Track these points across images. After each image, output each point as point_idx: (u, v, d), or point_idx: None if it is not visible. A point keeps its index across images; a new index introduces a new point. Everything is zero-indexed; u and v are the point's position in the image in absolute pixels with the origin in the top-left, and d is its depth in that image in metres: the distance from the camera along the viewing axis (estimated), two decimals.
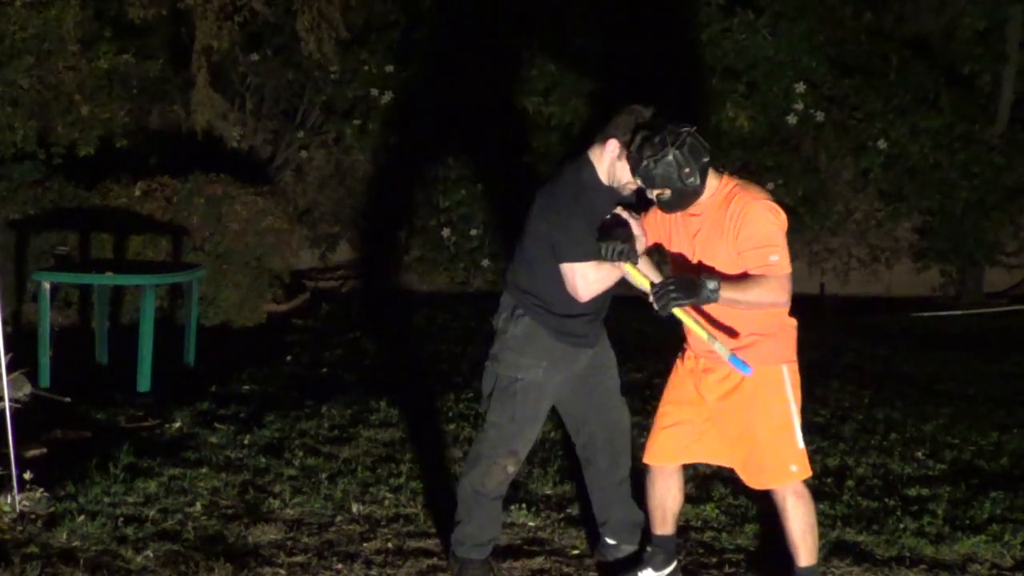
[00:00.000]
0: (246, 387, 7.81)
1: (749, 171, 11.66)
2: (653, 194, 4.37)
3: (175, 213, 9.89)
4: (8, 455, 5.40)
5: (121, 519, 5.30)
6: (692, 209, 4.40)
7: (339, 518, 5.51)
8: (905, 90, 12.58)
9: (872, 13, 12.96)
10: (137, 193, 9.98)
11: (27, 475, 5.41)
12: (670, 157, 4.26)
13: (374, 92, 12.26)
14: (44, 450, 6.09)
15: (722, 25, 12.25)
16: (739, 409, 4.47)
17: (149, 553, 4.96)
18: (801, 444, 4.45)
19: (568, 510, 5.66)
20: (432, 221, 12.16)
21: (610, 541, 5.02)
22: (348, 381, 8.08)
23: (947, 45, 13.07)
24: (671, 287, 4.25)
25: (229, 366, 8.25)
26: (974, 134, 12.67)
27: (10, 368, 5.97)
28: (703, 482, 5.98)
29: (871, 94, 12.58)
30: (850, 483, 6.14)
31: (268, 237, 10.05)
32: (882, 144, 12.48)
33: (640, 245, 4.50)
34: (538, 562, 5.07)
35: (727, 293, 4.24)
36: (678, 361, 4.65)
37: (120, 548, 5.01)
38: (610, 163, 4.54)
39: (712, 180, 4.39)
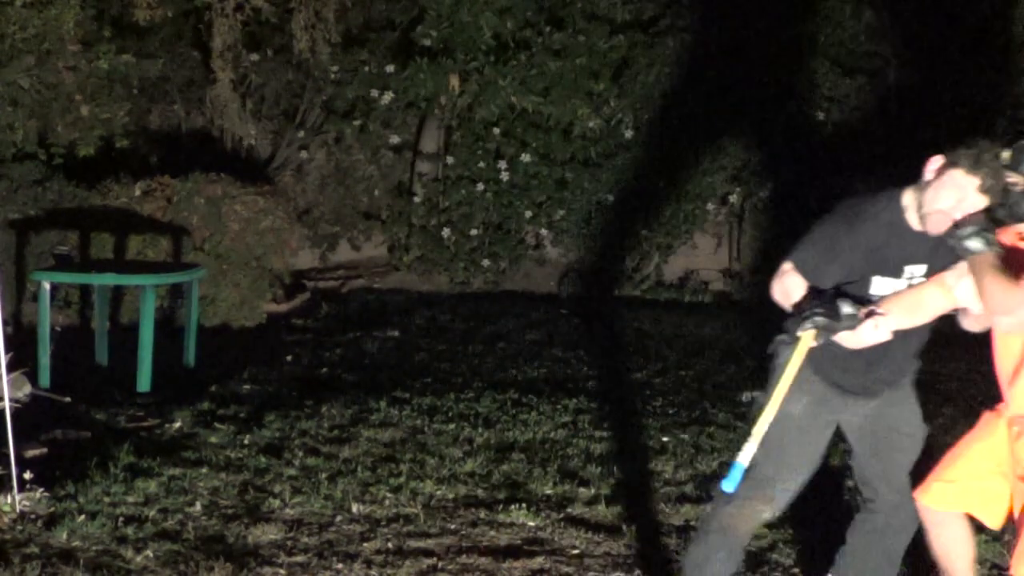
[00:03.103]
0: (246, 387, 7.80)
1: None
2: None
3: (175, 213, 9.88)
4: (8, 455, 5.40)
5: (121, 519, 5.30)
6: None
7: (339, 518, 5.51)
8: None
9: (872, 13, 12.94)
10: (137, 193, 9.97)
11: (27, 475, 5.41)
12: None
13: (374, 92, 12.25)
14: (44, 450, 6.09)
15: None
16: None
17: (149, 553, 4.96)
18: None
19: (568, 510, 5.65)
20: (432, 221, 12.15)
21: None
22: (348, 381, 8.07)
23: None
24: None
25: (229, 366, 8.25)
26: None
27: (10, 368, 5.95)
28: (703, 482, 5.97)
29: (871, 94, 12.57)
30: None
31: (268, 237, 10.04)
32: None
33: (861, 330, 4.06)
34: (538, 562, 5.06)
35: None
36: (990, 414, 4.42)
37: (120, 548, 5.01)
38: (924, 183, 4.00)
39: None
